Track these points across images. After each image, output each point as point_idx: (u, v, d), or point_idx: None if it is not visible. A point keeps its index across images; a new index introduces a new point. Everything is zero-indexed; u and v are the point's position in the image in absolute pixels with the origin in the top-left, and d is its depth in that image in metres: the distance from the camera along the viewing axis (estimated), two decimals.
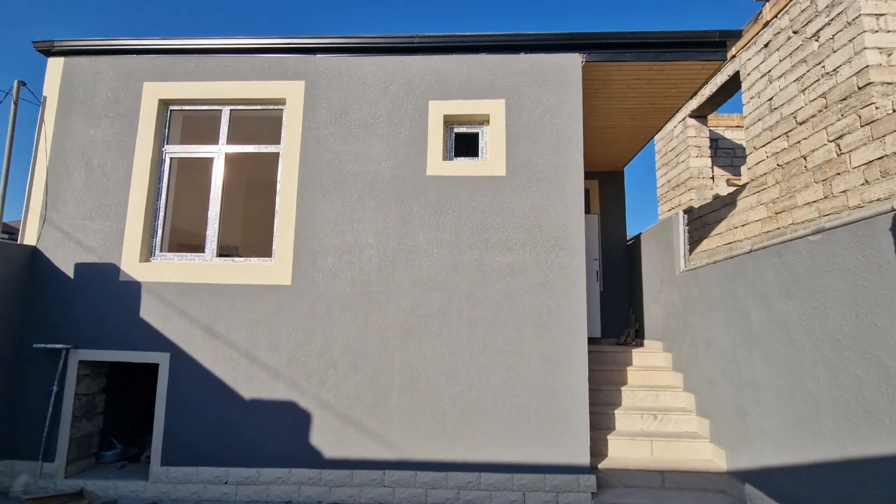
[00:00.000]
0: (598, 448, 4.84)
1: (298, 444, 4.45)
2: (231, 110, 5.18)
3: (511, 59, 4.92)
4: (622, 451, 4.83)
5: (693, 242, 7.66)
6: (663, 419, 5.12)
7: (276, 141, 5.15)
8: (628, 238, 8.22)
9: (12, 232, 8.94)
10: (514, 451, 4.34)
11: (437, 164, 4.81)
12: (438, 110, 4.89)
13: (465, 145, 5.30)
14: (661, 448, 4.80)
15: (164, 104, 5.15)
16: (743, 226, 6.43)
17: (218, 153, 5.13)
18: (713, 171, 9.05)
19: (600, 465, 4.55)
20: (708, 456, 4.73)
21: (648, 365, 6.01)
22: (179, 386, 4.59)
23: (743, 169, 8.23)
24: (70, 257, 4.85)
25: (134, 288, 4.76)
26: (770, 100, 6.05)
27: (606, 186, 8.32)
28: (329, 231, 4.76)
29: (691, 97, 8.14)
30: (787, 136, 5.68)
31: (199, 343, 4.65)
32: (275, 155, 5.10)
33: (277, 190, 4.90)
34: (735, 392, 4.33)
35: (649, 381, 5.76)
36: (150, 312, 4.72)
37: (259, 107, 5.15)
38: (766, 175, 6.03)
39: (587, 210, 8.30)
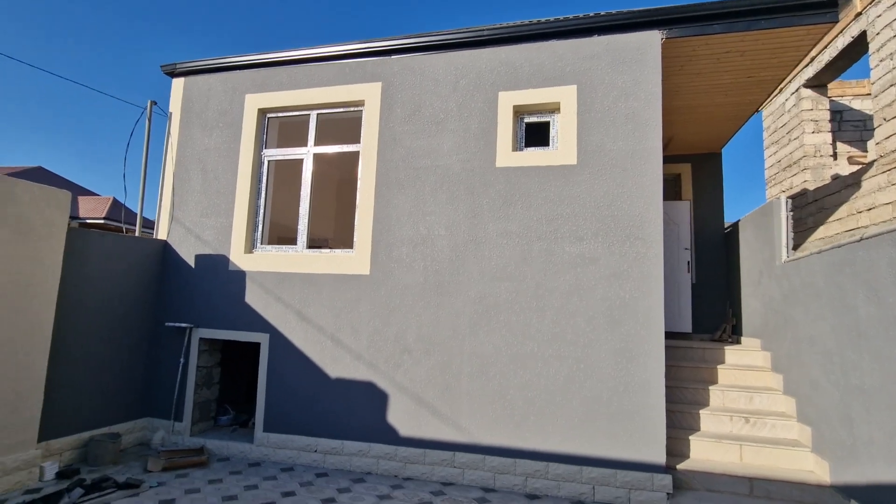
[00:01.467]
0: (678, 448, 4.60)
1: (377, 421, 4.81)
2: (318, 114, 5.65)
3: (583, 42, 4.76)
4: (706, 454, 4.53)
5: (807, 229, 6.81)
6: (757, 423, 4.69)
7: (357, 140, 5.53)
8: (726, 226, 7.53)
9: (152, 227, 10.58)
10: (583, 444, 4.29)
11: (507, 155, 4.83)
12: (508, 101, 4.90)
13: (536, 135, 5.25)
14: (752, 454, 4.43)
15: (263, 113, 5.77)
16: (869, 210, 5.59)
17: (307, 154, 5.64)
18: (835, 148, 7.91)
19: (679, 466, 4.32)
20: (808, 466, 4.27)
21: (743, 364, 5.51)
22: (277, 363, 5.18)
23: (870, 144, 7.12)
24: (191, 249, 5.68)
25: (240, 276, 5.45)
26: None
27: (701, 170, 7.67)
28: (403, 223, 5.03)
29: (799, 66, 7.20)
30: None
31: (292, 326, 5.20)
32: (356, 154, 5.48)
33: (358, 186, 5.28)
34: (840, 397, 3.85)
35: (743, 381, 5.29)
36: (253, 297, 5.37)
37: (342, 109, 5.56)
38: None
39: (678, 196, 7.74)
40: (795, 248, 5.80)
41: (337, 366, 5.01)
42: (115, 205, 18.76)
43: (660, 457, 4.12)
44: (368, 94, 5.33)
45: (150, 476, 4.43)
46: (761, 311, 5.71)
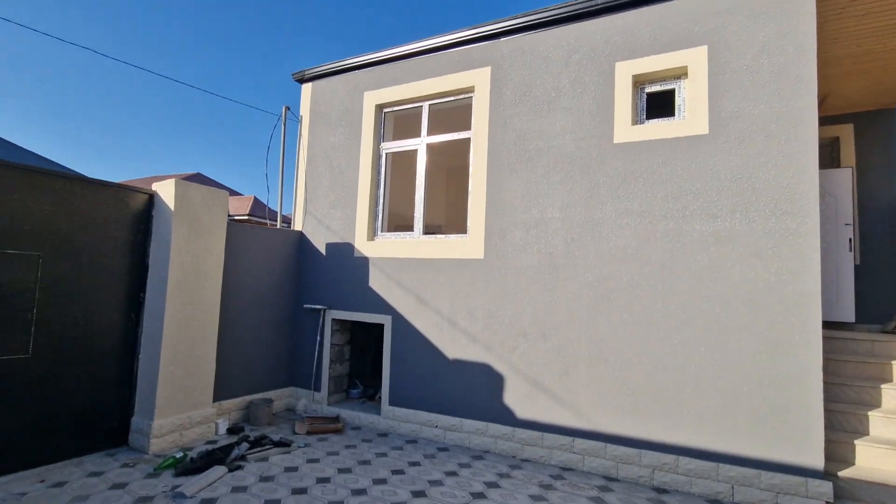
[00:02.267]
0: (839, 453, 4.00)
1: (493, 402, 4.92)
2: (430, 105, 5.84)
3: None
4: (876, 462, 3.88)
5: None
6: None
7: (468, 127, 5.61)
8: None
9: (287, 222, 11.89)
10: (719, 439, 3.94)
11: (626, 129, 4.55)
12: (626, 71, 4.59)
13: (659, 105, 4.86)
14: None
15: (380, 108, 6.13)
16: None
17: (421, 144, 5.87)
18: None
19: (841, 473, 3.76)
20: None
21: None
22: (399, 343, 5.54)
23: None
24: (322, 238, 6.28)
25: (364, 262, 5.90)
26: None
27: (867, 131, 6.45)
28: (516, 207, 5.01)
29: None
30: None
31: (412, 308, 5.51)
32: (467, 140, 5.57)
33: (470, 172, 5.37)
34: None
35: None
36: (376, 282, 5.79)
37: (452, 98, 5.68)
38: None
39: (836, 163, 6.62)
40: None
41: (454, 347, 5.20)
42: (256, 202, 21.37)
43: (816, 460, 3.63)
44: (478, 80, 5.37)
45: (298, 437, 5.06)
46: None
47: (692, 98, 4.30)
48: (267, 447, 4.61)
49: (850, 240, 6.17)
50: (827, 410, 4.22)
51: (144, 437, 4.47)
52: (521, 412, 4.79)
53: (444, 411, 5.20)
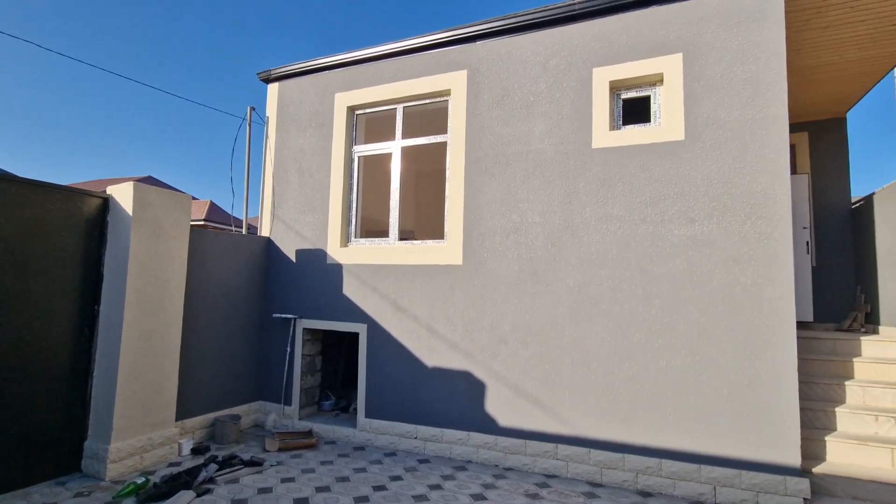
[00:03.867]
0: (811, 450, 4.14)
1: (475, 410, 4.82)
2: (404, 107, 5.71)
3: (690, 5, 4.35)
4: (846, 457, 4.03)
5: None
6: None
7: (444, 131, 5.51)
8: (854, 200, 6.62)
9: (252, 229, 11.43)
10: (700, 441, 3.98)
11: (604, 134, 4.57)
12: (603, 77, 4.62)
13: (635, 111, 4.91)
14: None
15: (351, 110, 5.94)
16: None
17: (395, 148, 5.72)
18: None
19: (815, 469, 3.89)
20: None
21: (886, 357, 4.83)
22: (375, 352, 5.36)
23: None
24: (292, 245, 6.01)
25: (337, 269, 5.68)
26: None
27: (821, 139, 6.80)
28: (495, 212, 4.95)
29: None
30: None
31: (388, 316, 5.34)
32: (442, 144, 5.47)
33: (447, 176, 5.27)
34: None
35: (887, 376, 4.64)
36: (350, 289, 5.58)
37: (427, 101, 5.57)
38: None
39: (793, 170, 6.93)
40: None
41: (433, 355, 5.07)
42: (213, 207, 20.48)
43: (793, 458, 3.72)
44: (454, 83, 5.28)
45: (269, 455, 4.78)
46: None
47: (668, 104, 4.37)
48: (237, 467, 4.32)
49: (808, 242, 6.47)
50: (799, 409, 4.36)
51: (100, 461, 4.09)
52: (504, 420, 4.71)
53: (424, 422, 5.05)
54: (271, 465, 4.49)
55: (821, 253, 6.65)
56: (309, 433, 5.31)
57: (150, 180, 23.01)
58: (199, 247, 5.20)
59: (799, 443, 3.73)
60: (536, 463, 4.52)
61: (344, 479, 4.23)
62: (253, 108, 6.56)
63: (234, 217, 7.54)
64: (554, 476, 4.42)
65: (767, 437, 3.80)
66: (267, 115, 6.44)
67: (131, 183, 4.34)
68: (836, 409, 4.33)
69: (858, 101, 6.37)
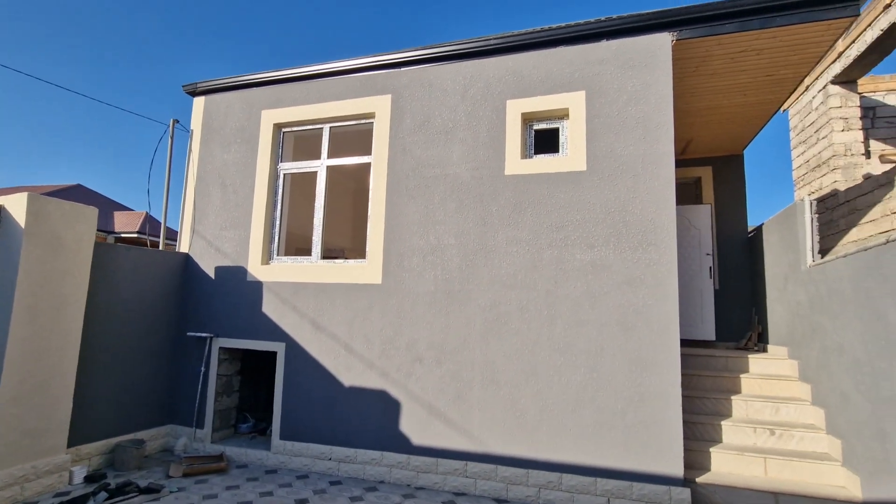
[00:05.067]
0: (698, 461, 4.44)
1: (389, 429, 4.83)
2: (331, 127, 5.78)
3: (591, 48, 4.72)
4: (727, 467, 4.36)
5: (839, 232, 6.50)
6: (783, 435, 4.49)
7: (369, 152, 5.62)
8: (750, 229, 7.27)
9: (175, 239, 11.01)
10: (597, 455, 4.19)
11: (516, 162, 4.82)
12: (517, 109, 4.90)
13: (546, 142, 5.22)
14: (777, 467, 4.23)
15: (278, 127, 5.94)
16: None
17: (321, 167, 5.76)
18: (868, 146, 7.56)
19: (699, 479, 4.17)
20: (839, 482, 4.05)
21: (769, 373, 5.29)
22: (293, 371, 5.28)
23: None
24: (211, 261, 5.86)
25: (258, 287, 5.59)
26: None
27: (722, 172, 7.45)
28: (414, 233, 5.07)
29: (824, 62, 6.96)
30: None
31: (307, 335, 5.29)
32: (368, 165, 5.57)
33: (370, 197, 5.35)
34: (872, 409, 3.64)
35: (768, 390, 5.08)
36: (270, 307, 5.50)
37: (353, 122, 5.67)
38: None
39: (699, 200, 7.54)
40: (825, 251, 5.55)
41: (350, 374, 5.06)
42: (150, 220, 19.52)
43: (677, 469, 3.99)
44: (378, 107, 5.42)
45: (171, 481, 4.56)
46: (788, 318, 5.47)
47: (573, 137, 4.69)
48: (131, 495, 4.10)
49: (710, 267, 7.02)
50: (688, 422, 4.68)
51: None
52: (417, 439, 4.75)
53: (339, 442, 5.00)
54: (171, 492, 4.29)
55: (723, 277, 7.21)
56: (219, 457, 5.12)
57: (78, 189, 21.66)
58: (107, 262, 4.98)
59: (682, 455, 4.00)
60: (447, 481, 4.58)
61: None
62: (177, 121, 6.42)
63: (170, 230, 7.25)
64: (462, 494, 4.49)
65: (655, 450, 4.06)
66: (192, 128, 6.31)
67: (25, 193, 4.13)
68: (722, 423, 4.69)
69: (752, 139, 7.06)
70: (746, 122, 6.48)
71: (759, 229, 6.65)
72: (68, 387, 4.45)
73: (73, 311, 4.50)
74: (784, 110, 8.51)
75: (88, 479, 4.52)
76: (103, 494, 4.00)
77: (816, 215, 4.99)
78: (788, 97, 5.75)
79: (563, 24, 4.78)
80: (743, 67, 5.00)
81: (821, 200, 6.99)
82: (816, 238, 4.93)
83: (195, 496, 4.25)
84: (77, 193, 18.49)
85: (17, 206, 4.16)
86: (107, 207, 17.65)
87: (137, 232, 16.85)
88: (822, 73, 7.29)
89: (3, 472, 3.91)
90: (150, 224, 17.42)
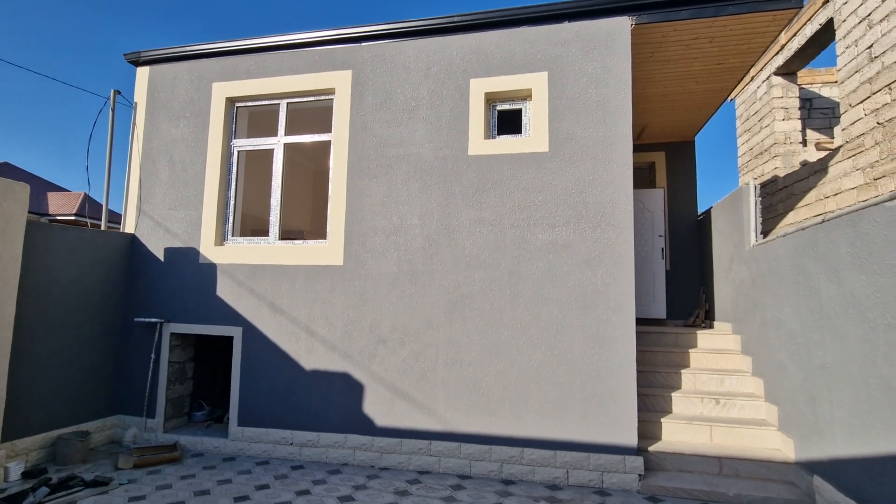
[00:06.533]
0: (651, 431, 4.67)
1: (353, 412, 4.79)
2: (288, 103, 5.54)
3: (554, 29, 4.74)
4: (677, 436, 4.61)
5: (778, 216, 6.95)
6: (726, 404, 4.80)
7: (329, 129, 5.44)
8: (700, 213, 7.64)
9: (118, 221, 10.33)
10: (557, 429, 4.33)
11: (479, 143, 4.81)
12: (480, 88, 4.87)
13: (509, 122, 5.24)
14: (721, 434, 4.52)
15: (231, 102, 5.64)
16: (835, 195, 5.72)
17: (277, 144, 5.53)
18: (805, 135, 8.07)
19: (651, 448, 4.39)
20: (776, 445, 4.38)
21: (715, 347, 5.62)
22: (251, 356, 5.11)
23: (837, 131, 7.28)
24: (160, 243, 5.55)
25: (211, 269, 5.35)
26: (870, 48, 5.26)
27: (675, 158, 7.76)
28: (376, 213, 4.98)
29: (769, 54, 7.33)
30: (891, 89, 4.94)
31: (266, 318, 5.13)
32: (328, 143, 5.40)
33: (330, 176, 5.20)
34: (805, 377, 3.94)
35: (714, 364, 5.40)
36: (225, 290, 5.28)
37: (312, 98, 5.46)
38: (864, 136, 5.29)
39: (652, 184, 7.82)
40: (766, 233, 5.90)
41: (311, 358, 4.96)
42: (89, 200, 18.23)
43: (631, 439, 4.19)
44: (339, 83, 5.24)
45: (121, 473, 4.35)
46: (732, 295, 5.81)
47: (536, 118, 4.72)
48: (75, 489, 3.87)
49: (663, 249, 7.33)
50: (642, 395, 4.91)
51: None
52: (381, 420, 4.73)
53: (301, 426, 4.91)
54: (120, 485, 4.09)
55: (674, 258, 7.56)
56: (173, 447, 4.92)
57: (3, 167, 19.89)
58: (40, 244, 4.61)
59: (636, 425, 4.20)
60: (411, 461, 4.60)
61: (203, 493, 3.97)
62: (118, 92, 5.97)
63: (113, 213, 6.77)
64: (427, 472, 4.53)
65: (611, 423, 4.24)
66: (135, 100, 5.89)
67: None
68: (672, 394, 4.95)
69: (703, 126, 7.37)
70: (698, 109, 6.75)
71: (707, 212, 6.99)
72: (0, 378, 4.11)
73: (3, 296, 4.15)
74: (731, 99, 8.92)
75: (26, 475, 4.23)
76: (44, 490, 3.76)
77: (760, 198, 5.29)
78: (736, 86, 6.02)
79: (525, 5, 4.77)
80: (696, 55, 5.18)
81: (763, 186, 7.42)
82: (760, 219, 5.23)
83: (148, 487, 4.07)
84: (4, 171, 17.00)
85: None
86: (39, 188, 16.30)
87: (75, 214, 15.72)
88: (765, 64, 7.67)
89: None
90: (90, 205, 16.27)
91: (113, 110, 5.83)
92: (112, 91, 5.82)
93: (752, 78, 8.13)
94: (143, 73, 5.88)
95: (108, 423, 5.29)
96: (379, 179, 5.02)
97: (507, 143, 4.77)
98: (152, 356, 5.33)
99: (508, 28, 4.83)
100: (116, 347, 5.42)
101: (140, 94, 5.85)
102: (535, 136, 4.71)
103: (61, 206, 15.60)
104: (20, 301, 4.36)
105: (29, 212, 4.57)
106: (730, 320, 5.90)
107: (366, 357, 4.83)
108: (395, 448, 4.65)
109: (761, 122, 7.88)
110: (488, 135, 4.91)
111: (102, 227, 5.89)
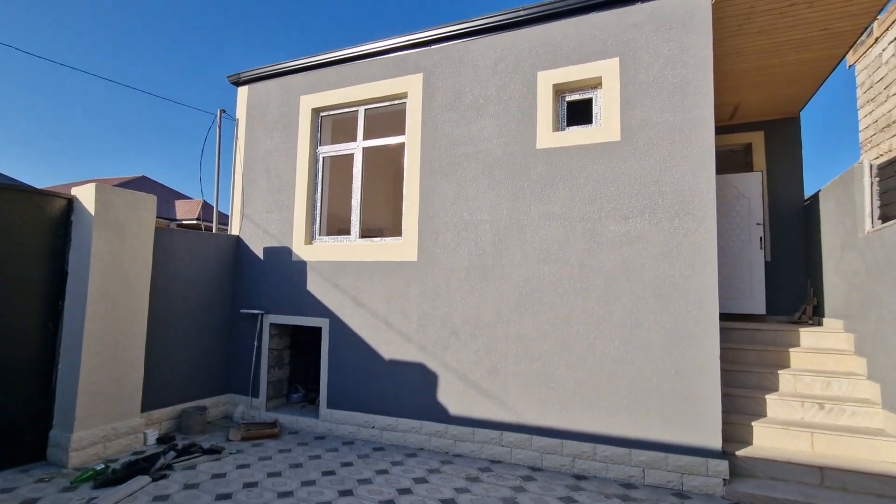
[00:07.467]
0: (740, 434, 4.35)
1: (428, 400, 5.03)
2: (365, 109, 5.91)
3: (624, 12, 4.56)
4: (771, 441, 4.24)
5: None
6: (833, 410, 4.31)
7: (403, 132, 5.72)
8: (806, 198, 6.83)
9: (227, 223, 11.66)
10: (632, 426, 4.20)
11: (548, 135, 4.78)
12: (548, 80, 4.83)
13: (578, 113, 5.13)
14: (824, 442, 4.09)
15: (316, 112, 6.14)
16: None
17: (357, 148, 5.93)
18: None
19: (738, 452, 4.09)
20: (894, 458, 3.86)
21: (821, 347, 5.04)
22: (336, 345, 5.57)
23: None
24: (260, 243, 6.23)
25: (302, 266, 5.89)
26: None
27: (775, 137, 7.00)
28: (447, 210, 5.16)
29: (890, 11, 6.34)
30: None
31: (349, 311, 5.56)
32: (403, 145, 5.68)
33: (405, 176, 5.48)
34: None
35: (819, 365, 4.86)
36: (313, 285, 5.80)
37: (387, 103, 5.78)
38: None
39: (749, 167, 7.14)
40: (885, 218, 5.16)
41: (390, 348, 5.29)
42: (207, 206, 20.69)
43: (715, 441, 3.94)
44: (411, 86, 5.49)
45: (231, 444, 5.00)
46: (844, 289, 5.17)
47: (606, 107, 4.58)
48: (195, 455, 4.54)
49: (761, 238, 6.68)
50: (729, 395, 4.58)
51: (63, 450, 4.31)
52: (454, 409, 4.92)
53: (381, 411, 5.27)
54: (230, 454, 4.71)
55: (775, 248, 6.85)
56: (273, 424, 5.53)
57: (142, 180, 23.21)
58: (167, 246, 5.41)
59: (720, 427, 3.95)
60: (483, 450, 4.74)
61: (297, 466, 4.45)
62: (223, 111, 6.76)
63: (223, 215, 7.74)
64: (498, 462, 4.64)
65: (692, 422, 4.02)
66: (237, 117, 6.64)
67: (93, 184, 4.55)
68: (767, 396, 4.54)
69: (808, 100, 6.57)
70: (801, 82, 6.03)
71: (815, 196, 6.24)
72: (139, 358, 4.93)
73: (139, 290, 4.95)
74: (850, 66, 7.82)
75: (160, 441, 5.02)
76: (172, 453, 4.45)
77: (877, 178, 4.64)
78: (847, 52, 5.30)
79: None
80: (792, 23, 4.66)
81: (890, 164, 6.45)
82: (877, 203, 4.59)
83: (252, 457, 4.64)
84: (141, 184, 19.84)
85: (87, 196, 4.59)
86: (169, 196, 18.88)
87: (196, 218, 17.93)
88: (893, 23, 6.63)
89: (89, 431, 4.43)
90: (207, 210, 18.48)
91: (220, 127, 6.63)
92: (218, 110, 6.62)
93: (877, 40, 7.07)
94: (243, 91, 6.61)
95: (222, 401, 6.07)
96: (449, 177, 5.18)
97: (575, 135, 4.68)
98: (255, 343, 6.01)
99: (576, 16, 4.73)
100: (227, 335, 6.19)
101: (241, 111, 6.59)
102: (605, 125, 4.57)
103: (186, 211, 17.86)
104: (151, 294, 5.17)
105: (159, 217, 5.38)
106: (841, 316, 5.25)
107: (439, 348, 5.04)
108: (468, 437, 4.81)
109: (888, 90, 6.83)
110: (557, 127, 4.85)
111: (213, 230, 6.74)
